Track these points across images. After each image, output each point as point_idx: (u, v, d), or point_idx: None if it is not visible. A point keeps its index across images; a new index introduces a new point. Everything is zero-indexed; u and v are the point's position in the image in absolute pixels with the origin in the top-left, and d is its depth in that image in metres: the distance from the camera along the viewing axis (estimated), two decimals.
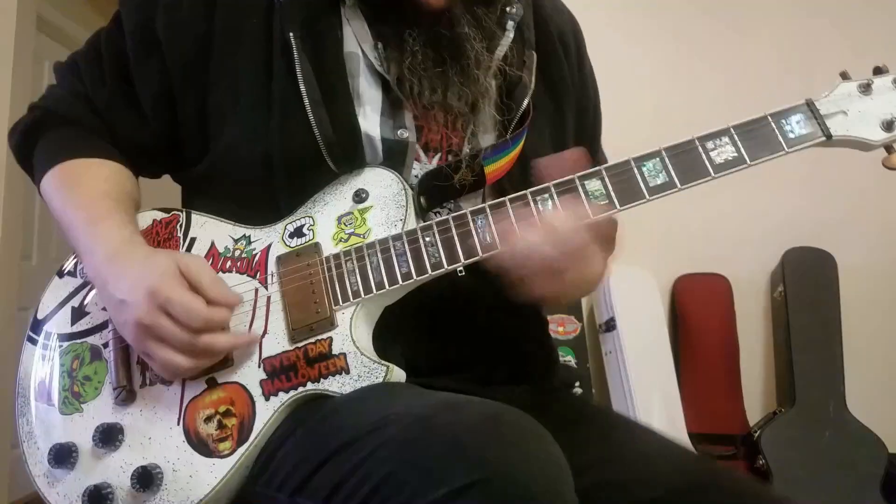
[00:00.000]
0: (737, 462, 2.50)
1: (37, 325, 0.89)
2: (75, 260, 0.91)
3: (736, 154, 0.78)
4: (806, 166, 2.65)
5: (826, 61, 2.72)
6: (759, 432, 2.47)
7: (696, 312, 2.66)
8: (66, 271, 0.91)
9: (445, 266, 0.78)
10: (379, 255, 0.79)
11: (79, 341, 0.86)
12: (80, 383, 0.83)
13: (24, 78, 2.88)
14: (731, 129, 0.79)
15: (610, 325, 2.49)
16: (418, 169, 0.87)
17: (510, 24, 0.89)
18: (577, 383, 2.50)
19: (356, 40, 0.86)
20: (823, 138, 0.79)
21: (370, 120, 0.85)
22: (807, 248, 2.65)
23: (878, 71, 0.81)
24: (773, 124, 0.79)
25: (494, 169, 0.86)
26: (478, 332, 0.89)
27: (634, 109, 2.58)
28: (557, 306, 0.99)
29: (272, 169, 0.84)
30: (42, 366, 0.86)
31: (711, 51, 2.81)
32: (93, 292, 0.88)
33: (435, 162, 0.87)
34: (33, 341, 0.88)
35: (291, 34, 0.83)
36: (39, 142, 0.94)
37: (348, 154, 0.83)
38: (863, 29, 2.72)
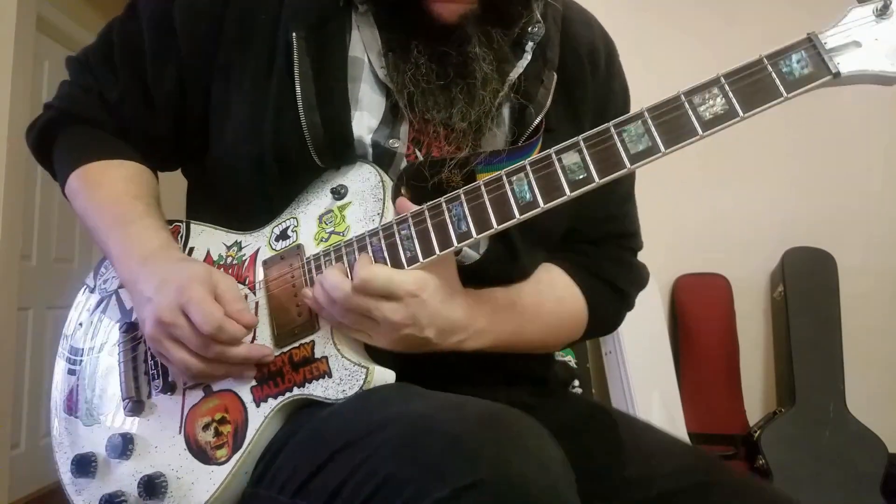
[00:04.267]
0: (737, 462, 2.50)
1: (65, 340, 0.92)
2: (95, 275, 0.94)
3: (727, 107, 0.68)
4: (806, 166, 2.65)
5: None
6: (759, 432, 2.47)
7: (696, 312, 2.66)
8: (89, 287, 0.94)
9: (421, 260, 0.74)
10: (356, 252, 0.77)
11: (96, 355, 0.88)
12: (98, 395, 0.86)
13: (24, 78, 2.88)
14: (722, 79, 0.69)
15: None
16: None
17: (529, 45, 0.86)
18: (577, 382, 2.49)
19: (363, 46, 0.85)
20: (829, 77, 0.67)
21: (365, 126, 0.83)
22: (807, 248, 2.65)
23: None
24: (769, 68, 0.68)
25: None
26: None
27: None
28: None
29: (264, 169, 0.83)
30: (68, 380, 0.89)
31: (705, 42, 2.81)
32: (109, 307, 0.90)
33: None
34: (62, 356, 0.91)
35: (294, 34, 0.82)
36: (57, 142, 0.94)
37: (338, 157, 0.83)
38: None
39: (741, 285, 2.71)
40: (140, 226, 0.84)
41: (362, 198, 0.80)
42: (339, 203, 0.81)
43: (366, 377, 0.73)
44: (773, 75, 0.68)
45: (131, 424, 0.82)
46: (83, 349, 0.89)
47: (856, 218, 2.71)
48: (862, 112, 2.61)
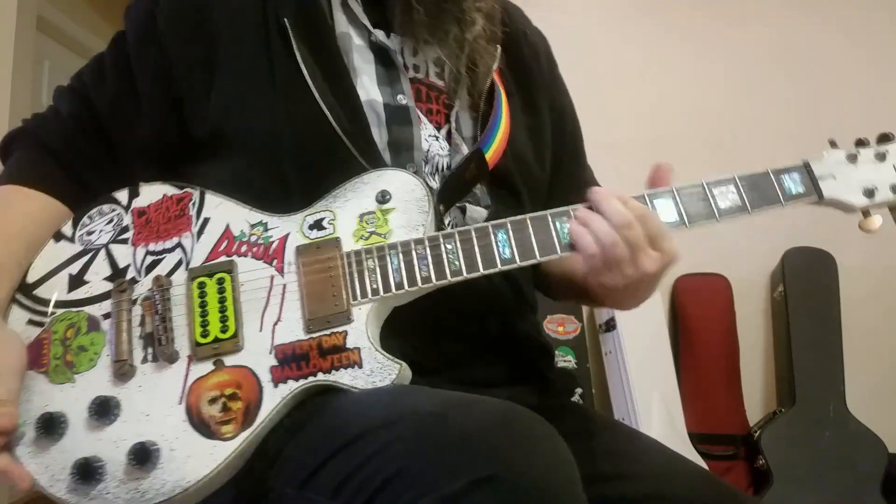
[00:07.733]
0: (737, 462, 2.51)
1: (26, 289, 0.84)
2: (73, 225, 0.87)
3: (740, 202, 0.86)
4: None
5: (821, 55, 2.73)
6: (759, 432, 2.47)
7: (696, 312, 2.66)
8: (63, 236, 0.87)
9: (465, 274, 0.80)
10: (400, 256, 0.80)
11: (75, 310, 0.82)
12: (74, 353, 0.80)
13: (24, 78, 2.88)
14: (736, 179, 0.87)
15: (610, 325, 2.50)
16: (425, 133, 0.91)
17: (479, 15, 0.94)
18: (580, 391, 2.49)
19: (345, 20, 0.92)
20: (816, 198, 0.87)
21: (369, 89, 0.89)
22: (807, 248, 2.65)
23: (860, 143, 0.89)
24: (773, 179, 0.87)
25: (492, 154, 0.90)
26: (479, 333, 0.90)
27: (630, 106, 2.58)
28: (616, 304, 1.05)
29: (281, 148, 0.85)
30: (31, 331, 0.82)
31: (707, 46, 2.81)
32: (95, 261, 0.84)
33: (435, 128, 0.92)
34: (21, 305, 0.83)
35: (286, 19, 0.87)
36: (10, 155, 0.95)
37: (353, 122, 0.86)
38: (857, 21, 2.72)
39: (741, 285, 2.71)
40: None
41: (406, 206, 0.83)
42: (383, 207, 0.84)
43: (399, 372, 0.75)
44: (776, 186, 0.87)
45: (118, 389, 0.77)
46: (54, 301, 0.83)
47: (856, 218, 2.70)
48: (861, 112, 2.61)
